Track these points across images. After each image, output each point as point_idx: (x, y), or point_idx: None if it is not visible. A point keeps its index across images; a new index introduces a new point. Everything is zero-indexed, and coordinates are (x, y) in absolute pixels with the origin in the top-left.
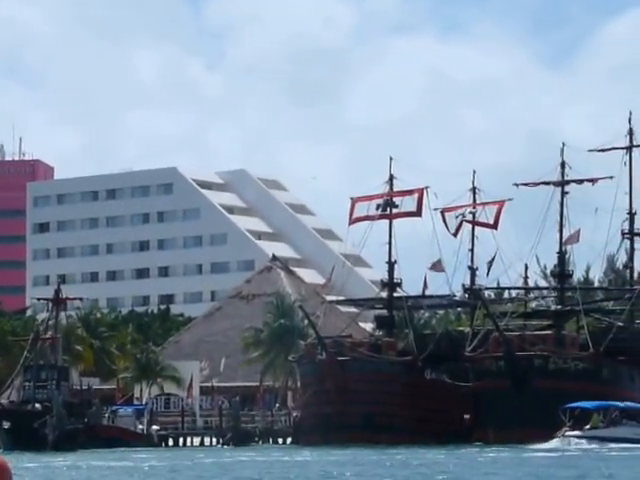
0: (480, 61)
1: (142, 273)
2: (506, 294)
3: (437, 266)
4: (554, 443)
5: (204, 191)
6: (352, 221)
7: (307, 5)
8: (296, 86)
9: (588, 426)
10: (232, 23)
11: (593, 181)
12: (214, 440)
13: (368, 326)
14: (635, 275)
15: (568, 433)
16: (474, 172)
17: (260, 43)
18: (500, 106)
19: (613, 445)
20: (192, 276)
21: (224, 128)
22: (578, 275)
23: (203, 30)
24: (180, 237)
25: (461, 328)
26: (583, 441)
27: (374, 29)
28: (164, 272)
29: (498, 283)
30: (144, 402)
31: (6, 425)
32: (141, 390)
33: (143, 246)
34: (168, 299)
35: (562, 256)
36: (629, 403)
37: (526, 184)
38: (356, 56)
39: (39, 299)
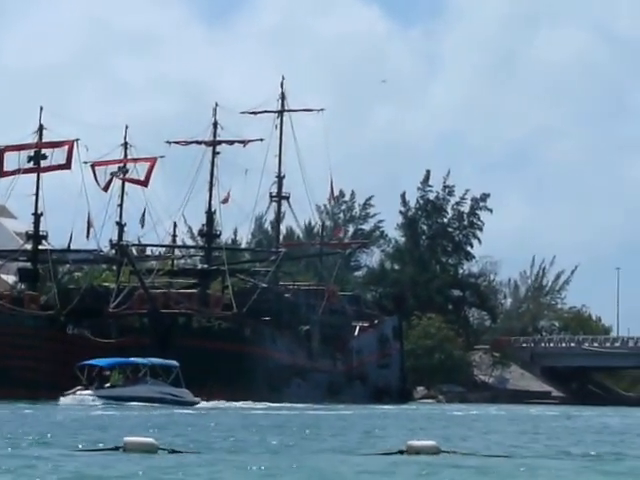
0: (140, 11)
1: None
2: (153, 252)
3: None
4: (65, 401)
5: None
6: (1, 174)
7: None
8: None
9: (108, 384)
10: None
11: (244, 142)
12: None
13: (11, 279)
14: (281, 238)
15: (81, 392)
16: (126, 127)
17: None
18: (157, 60)
19: (133, 404)
20: None
21: None
22: (226, 235)
23: None
24: None
25: (107, 284)
26: (97, 400)
27: None
28: None
29: (139, 240)
30: None
31: None
32: None
33: None
34: None
35: (210, 216)
36: (155, 360)
37: (178, 142)
38: None
39: None
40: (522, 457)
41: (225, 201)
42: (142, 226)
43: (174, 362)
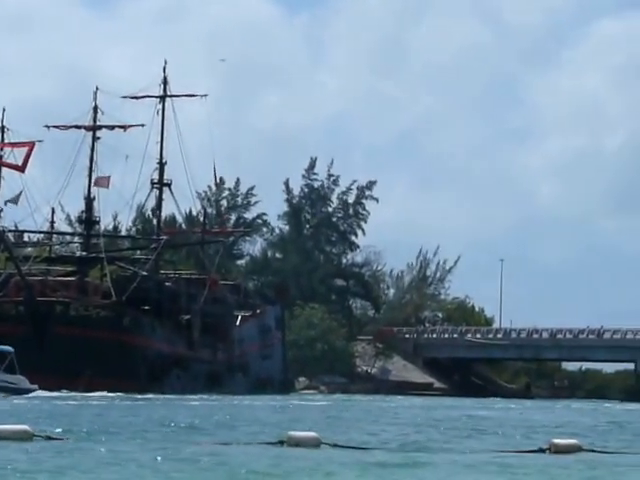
0: None
1: None
2: (31, 238)
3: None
4: None
5: None
6: None
7: None
8: None
9: None
10: None
11: (125, 128)
12: None
13: None
14: (162, 225)
15: None
16: (4, 110)
17: None
18: (38, 41)
19: None
20: None
21: None
22: (106, 222)
23: None
24: None
25: None
26: None
27: None
28: None
29: (16, 226)
30: None
31: None
32: None
33: None
34: None
35: (89, 202)
36: None
37: (57, 127)
38: None
39: None
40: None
41: (103, 184)
42: (16, 204)
43: (8, 348)
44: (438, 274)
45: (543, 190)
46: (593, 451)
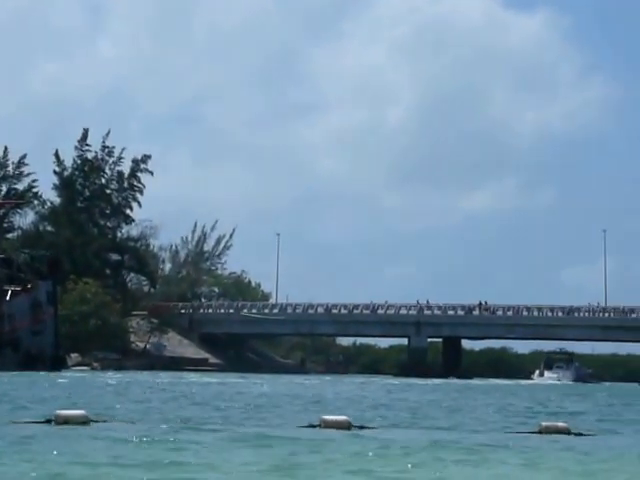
0: None
1: None
2: None
3: None
4: None
5: None
6: None
7: None
8: None
9: None
10: None
11: None
12: None
13: None
14: None
15: None
16: None
17: None
18: None
19: None
20: None
21: None
22: None
23: None
24: None
25: None
26: None
27: None
28: None
29: None
30: None
31: None
32: None
33: None
34: None
35: None
36: None
37: None
38: None
39: None
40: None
41: None
42: None
43: None
44: (215, 249)
45: (324, 164)
46: (362, 427)
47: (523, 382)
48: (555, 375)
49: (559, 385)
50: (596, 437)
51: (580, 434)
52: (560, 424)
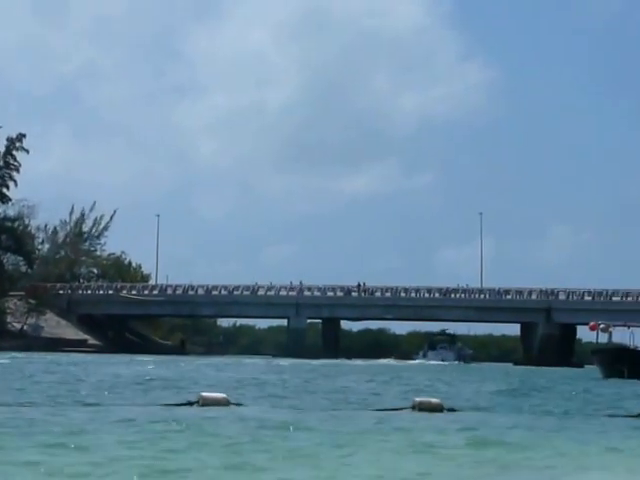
0: None
1: None
2: None
3: None
4: None
5: None
6: None
7: None
8: None
9: None
10: None
11: None
12: None
13: None
14: None
15: None
16: None
17: None
18: None
19: None
20: None
21: None
22: None
23: None
24: None
25: None
26: None
27: None
28: None
29: None
30: None
31: None
32: None
33: None
34: None
35: None
36: None
37: None
38: None
39: None
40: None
41: None
42: None
43: None
44: (94, 230)
45: (207, 147)
46: (239, 405)
47: (408, 362)
48: (439, 356)
49: (442, 365)
50: (466, 414)
51: (452, 410)
52: (433, 400)
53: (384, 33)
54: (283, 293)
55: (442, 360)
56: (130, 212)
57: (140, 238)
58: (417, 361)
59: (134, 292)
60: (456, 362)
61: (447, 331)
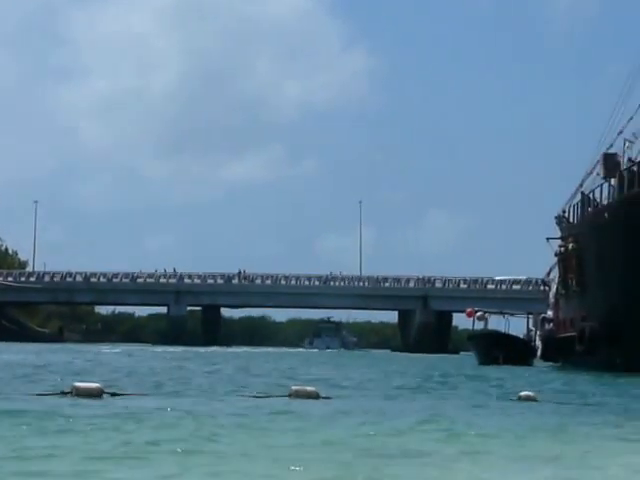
0: None
1: None
2: None
3: None
4: None
5: None
6: None
7: None
8: None
9: None
10: None
11: None
12: None
13: None
14: None
15: None
16: None
17: None
18: None
19: None
20: None
21: None
22: None
23: None
24: None
25: None
26: None
27: None
28: None
29: None
30: None
31: None
32: None
33: None
34: None
35: None
36: None
37: None
38: None
39: None
40: None
41: None
42: None
43: None
44: None
45: (87, 132)
46: (114, 394)
47: (292, 350)
48: (324, 344)
49: (325, 352)
50: (341, 400)
51: (327, 397)
52: (309, 388)
53: (266, 19)
54: (163, 280)
55: (327, 347)
56: (7, 197)
57: (17, 224)
58: (302, 349)
59: (10, 279)
60: (341, 349)
61: (332, 319)
